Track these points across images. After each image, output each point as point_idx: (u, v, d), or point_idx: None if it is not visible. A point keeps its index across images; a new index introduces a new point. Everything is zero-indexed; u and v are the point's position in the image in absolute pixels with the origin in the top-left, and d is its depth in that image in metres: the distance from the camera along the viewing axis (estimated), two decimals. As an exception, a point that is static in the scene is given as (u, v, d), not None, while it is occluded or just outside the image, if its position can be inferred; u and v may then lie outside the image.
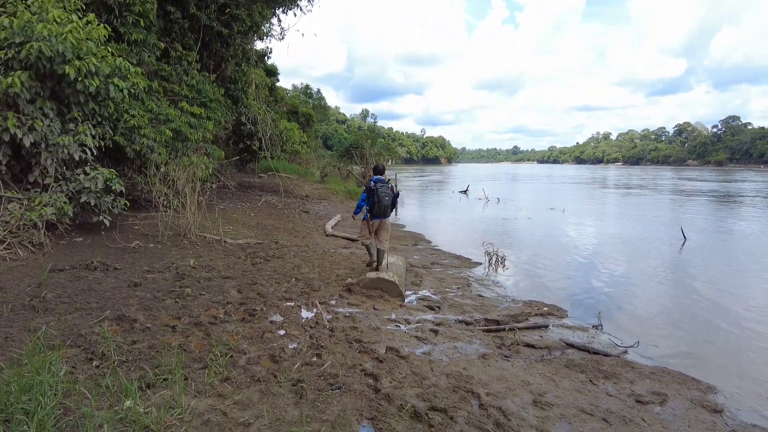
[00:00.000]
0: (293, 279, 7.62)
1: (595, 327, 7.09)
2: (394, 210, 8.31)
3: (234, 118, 21.59)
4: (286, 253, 9.57)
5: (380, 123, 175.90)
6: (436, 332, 5.89)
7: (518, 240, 15.09)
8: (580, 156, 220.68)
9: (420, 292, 7.91)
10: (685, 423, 4.15)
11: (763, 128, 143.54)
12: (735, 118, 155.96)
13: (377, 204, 7.67)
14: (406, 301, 7.32)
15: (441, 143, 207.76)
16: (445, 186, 46.45)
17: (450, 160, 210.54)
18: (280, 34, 21.76)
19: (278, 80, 43.30)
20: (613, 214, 23.73)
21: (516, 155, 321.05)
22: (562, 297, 8.76)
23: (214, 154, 13.97)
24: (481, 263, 11.19)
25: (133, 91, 10.13)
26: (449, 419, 3.58)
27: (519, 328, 6.48)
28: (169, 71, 13.95)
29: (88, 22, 9.06)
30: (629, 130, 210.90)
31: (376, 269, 8.01)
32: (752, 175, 79.05)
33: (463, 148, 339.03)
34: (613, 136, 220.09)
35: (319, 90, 69.89)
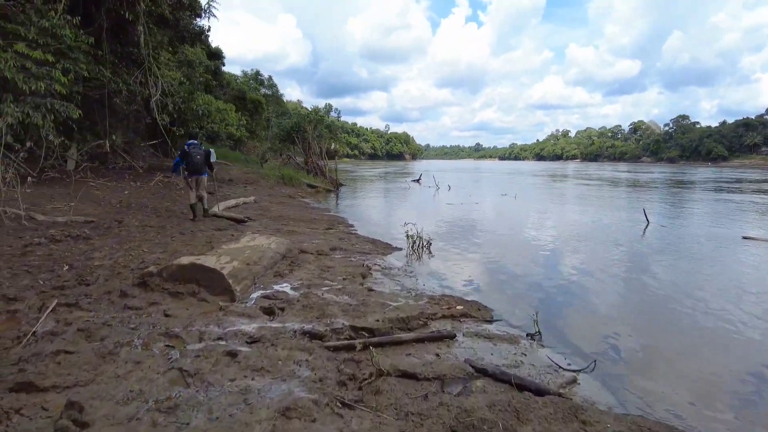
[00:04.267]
0: (66, 267, 4.82)
1: (531, 337, 4.60)
2: (209, 169, 9.54)
3: (146, 92, 18.35)
4: (110, 234, 6.74)
5: (344, 118, 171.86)
6: (234, 356, 3.23)
7: (457, 225, 12.63)
8: (540, 153, 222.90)
9: (276, 286, 5.23)
10: None
11: (710, 127, 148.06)
12: (685, 117, 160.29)
13: (191, 163, 8.93)
14: (241, 298, 4.63)
15: (405, 139, 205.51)
16: (401, 176, 43.95)
17: (414, 156, 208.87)
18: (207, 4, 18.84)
19: (223, 64, 39.94)
20: (570, 200, 21.66)
21: (478, 152, 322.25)
22: (490, 292, 6.27)
23: (69, 112, 10.82)
24: (401, 249, 8.66)
25: None
26: None
27: (402, 341, 3.91)
28: (9, 7, 10.75)
29: None
30: (587, 128, 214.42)
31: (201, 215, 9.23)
32: (702, 170, 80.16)
33: (428, 145, 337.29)
34: (572, 134, 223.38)
35: (270, 77, 65.67)
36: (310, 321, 4.10)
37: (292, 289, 5.17)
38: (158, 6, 15.83)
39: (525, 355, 4.12)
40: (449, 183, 28.97)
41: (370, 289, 5.48)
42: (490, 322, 5.00)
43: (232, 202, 12.46)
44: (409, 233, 8.66)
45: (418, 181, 32.63)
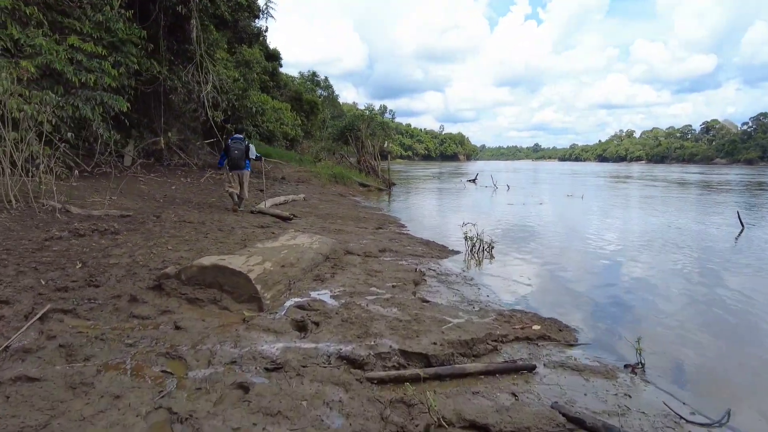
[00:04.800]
0: (79, 264, 4.26)
1: (631, 369, 3.56)
2: (258, 160, 9.81)
3: (201, 89, 18.36)
4: (141, 228, 6.24)
5: (399, 119, 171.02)
6: (246, 390, 2.45)
7: (520, 227, 11.49)
8: (602, 154, 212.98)
9: (314, 293, 4.45)
10: None
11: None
12: (767, 115, 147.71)
13: (231, 157, 8.91)
14: (271, 307, 3.87)
15: (460, 140, 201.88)
16: (456, 177, 42.65)
17: (469, 157, 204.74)
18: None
19: (281, 65, 40.22)
20: (642, 202, 19.77)
21: (537, 153, 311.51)
22: (568, 307, 5.22)
23: (119, 105, 10.59)
24: (459, 252, 7.73)
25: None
26: None
27: (466, 373, 3.02)
28: (67, 2, 10.70)
29: None
30: (653, 128, 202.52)
31: (234, 210, 9.17)
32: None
33: (483, 146, 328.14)
34: (637, 135, 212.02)
35: (326, 78, 65.92)
36: (349, 341, 3.27)
37: (332, 297, 4.37)
38: (216, 6, 15.69)
39: (629, 396, 3.11)
40: (508, 183, 27.53)
41: (424, 301, 4.60)
42: (574, 346, 4.00)
43: (281, 198, 11.95)
44: (468, 235, 7.71)
45: (473, 181, 31.37)
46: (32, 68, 8.58)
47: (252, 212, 9.33)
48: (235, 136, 9.26)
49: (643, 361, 3.61)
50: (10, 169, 6.75)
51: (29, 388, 2.23)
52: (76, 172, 9.36)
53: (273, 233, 7.00)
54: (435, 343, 3.33)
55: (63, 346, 2.71)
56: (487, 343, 3.58)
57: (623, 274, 6.95)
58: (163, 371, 2.58)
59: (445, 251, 7.76)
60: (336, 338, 3.31)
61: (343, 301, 4.23)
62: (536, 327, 4.13)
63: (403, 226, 10.73)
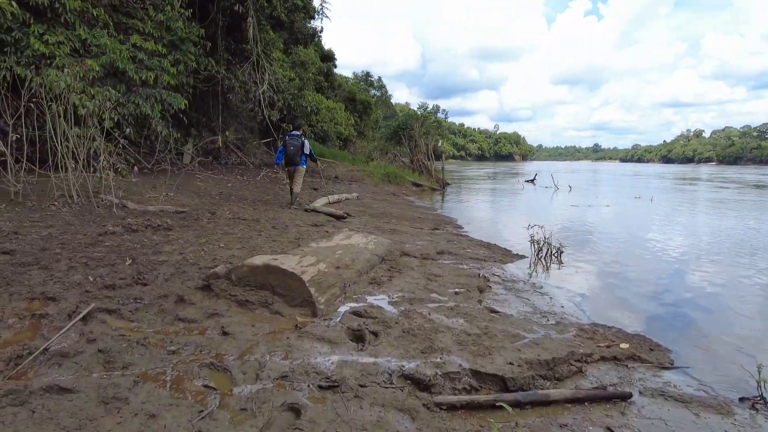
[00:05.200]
0: (129, 261, 4.11)
1: (751, 404, 2.97)
2: (312, 160, 9.70)
3: (257, 88, 18.61)
4: (195, 225, 6.15)
5: (452, 119, 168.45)
6: (297, 414, 2.11)
7: (588, 230, 10.70)
8: (667, 155, 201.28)
9: (370, 298, 4.09)
10: None
11: None
12: None
13: (287, 153, 8.94)
14: (325, 312, 3.55)
15: (515, 139, 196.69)
16: (511, 177, 41.41)
17: (525, 157, 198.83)
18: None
19: (335, 66, 40.45)
20: (717, 206, 18.12)
21: (597, 153, 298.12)
22: (655, 322, 4.60)
23: (178, 103, 10.72)
24: (524, 257, 7.17)
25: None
26: None
27: (550, 401, 2.56)
28: (131, 3, 10.98)
29: None
30: (726, 128, 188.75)
31: (290, 205, 9.31)
32: None
33: (540, 146, 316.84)
34: (707, 134, 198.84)
35: (380, 78, 66.01)
36: (412, 357, 2.88)
37: (390, 303, 4.00)
38: (272, 7, 15.78)
39: (754, 438, 2.54)
40: (570, 184, 26.27)
41: (493, 311, 4.13)
42: (670, 369, 3.43)
43: (335, 197, 11.76)
44: (535, 238, 7.14)
45: (532, 181, 30.22)
46: (97, 67, 8.78)
47: (306, 210, 9.14)
48: (293, 132, 9.42)
49: (764, 393, 3.01)
50: (73, 165, 6.85)
51: (57, 402, 1.99)
52: (136, 168, 9.52)
53: (327, 232, 6.73)
54: (511, 363, 2.88)
55: (102, 351, 2.48)
56: (571, 364, 3.09)
57: (708, 286, 6.15)
58: (205, 386, 2.29)
59: (508, 255, 7.24)
60: (397, 352, 2.93)
61: (402, 308, 3.85)
62: (624, 345, 3.59)
63: (460, 227, 10.25)
